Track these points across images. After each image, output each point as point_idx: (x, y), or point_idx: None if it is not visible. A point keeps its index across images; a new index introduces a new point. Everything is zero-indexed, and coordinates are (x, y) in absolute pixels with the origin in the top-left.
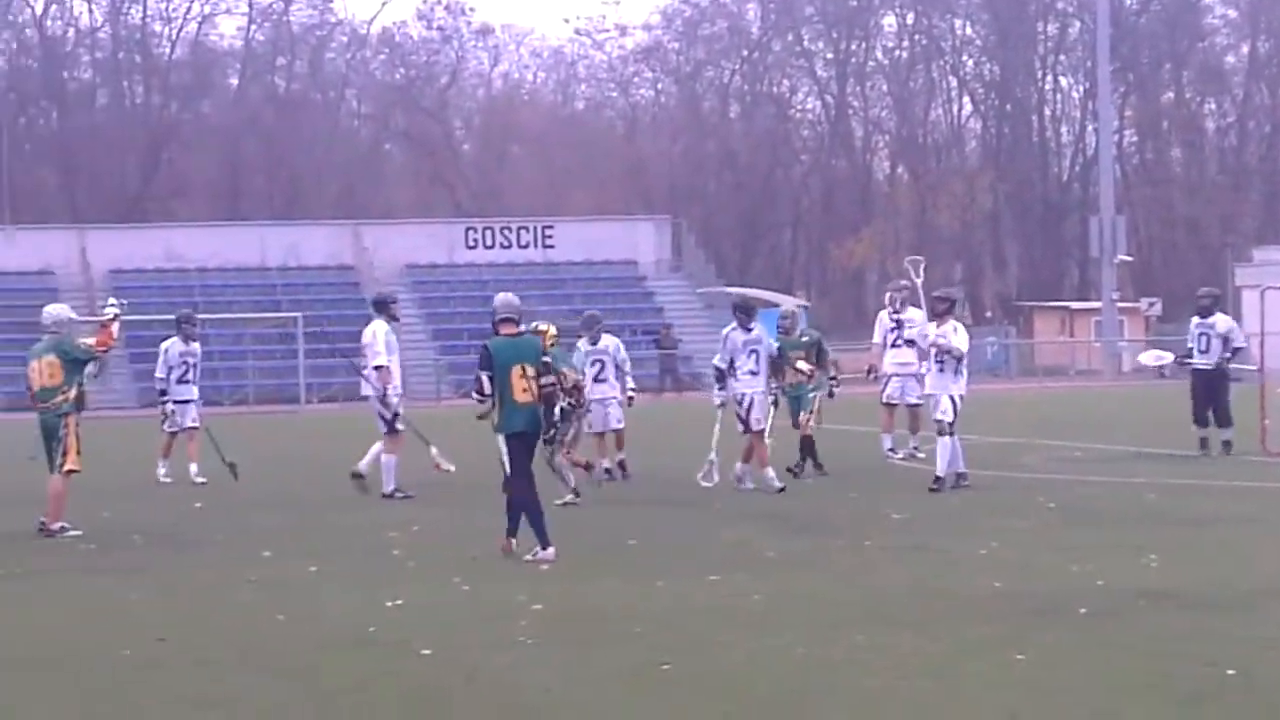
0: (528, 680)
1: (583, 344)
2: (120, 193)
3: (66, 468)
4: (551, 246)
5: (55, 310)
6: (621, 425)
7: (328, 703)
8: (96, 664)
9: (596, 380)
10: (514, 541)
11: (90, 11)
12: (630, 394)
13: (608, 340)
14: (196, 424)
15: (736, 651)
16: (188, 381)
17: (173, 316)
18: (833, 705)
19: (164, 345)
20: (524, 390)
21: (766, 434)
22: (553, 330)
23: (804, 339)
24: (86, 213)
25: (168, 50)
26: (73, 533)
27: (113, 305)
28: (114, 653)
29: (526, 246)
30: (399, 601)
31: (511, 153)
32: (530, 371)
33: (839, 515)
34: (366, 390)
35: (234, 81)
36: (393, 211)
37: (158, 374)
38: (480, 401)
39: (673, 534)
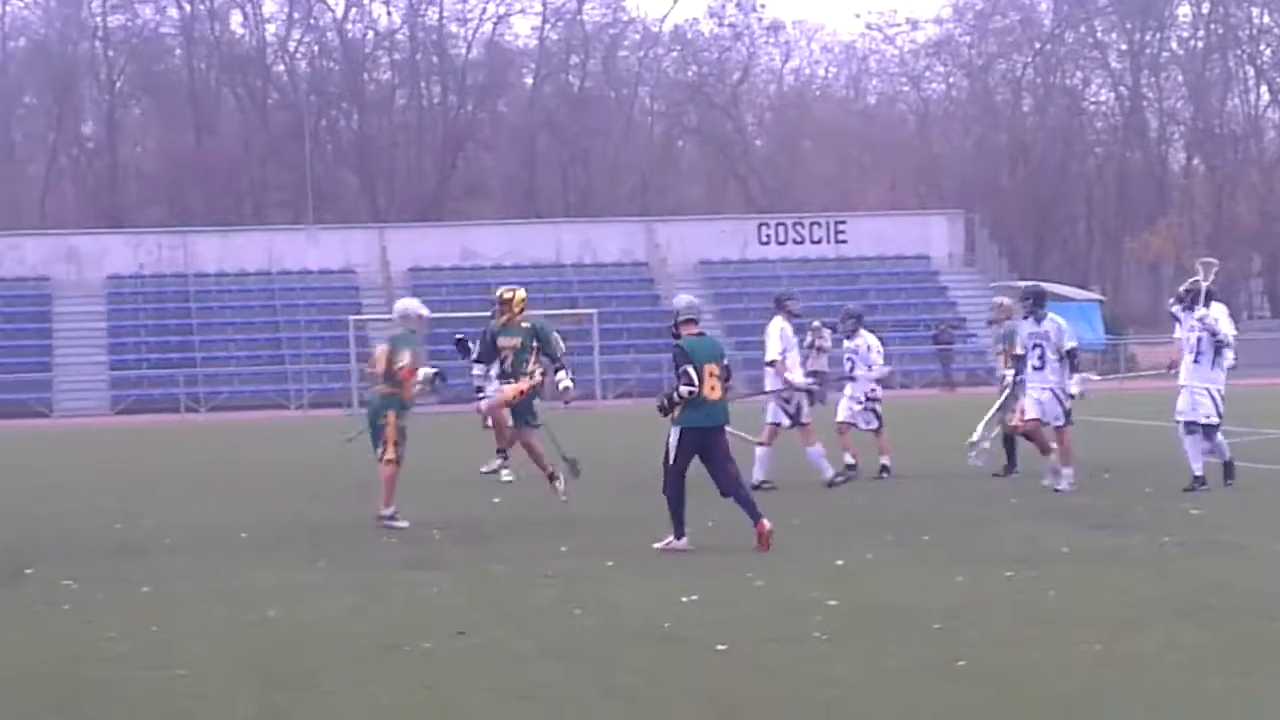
0: (822, 676)
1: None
2: (418, 192)
3: (386, 457)
4: (844, 241)
5: (404, 305)
6: (869, 426)
7: (625, 696)
8: (400, 658)
9: (847, 377)
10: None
11: (389, 14)
12: (869, 396)
13: (863, 338)
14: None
15: (1033, 648)
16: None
17: (465, 314)
18: (1132, 703)
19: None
20: (712, 388)
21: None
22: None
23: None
24: (386, 212)
25: (464, 51)
26: (401, 524)
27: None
28: (415, 645)
29: (819, 242)
30: (694, 597)
31: (803, 148)
32: (718, 370)
33: (1134, 510)
34: (770, 385)
35: (529, 80)
36: (685, 208)
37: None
38: (692, 394)
39: (966, 529)
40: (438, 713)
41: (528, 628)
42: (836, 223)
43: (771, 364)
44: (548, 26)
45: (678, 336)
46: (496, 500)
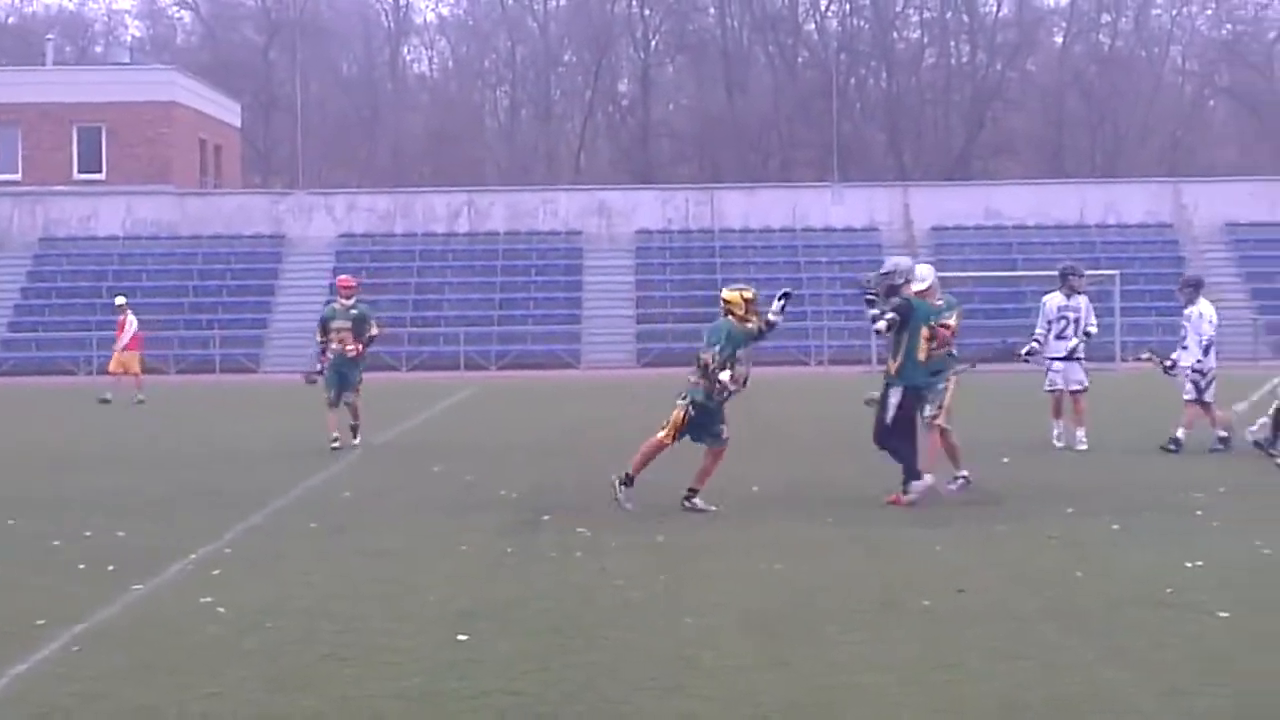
0: None
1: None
2: (945, 151)
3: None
4: None
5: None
6: (1187, 395)
7: (1123, 660)
8: (900, 614)
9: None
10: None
11: None
12: (1194, 367)
13: (1199, 306)
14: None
15: None
16: (1065, 337)
17: (987, 274)
18: None
19: (1045, 300)
20: (924, 350)
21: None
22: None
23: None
24: (911, 171)
25: (994, 9)
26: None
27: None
28: (916, 602)
29: None
30: (1199, 563)
31: None
32: (928, 333)
33: None
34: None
35: (1059, 39)
36: (1214, 169)
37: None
38: (881, 332)
39: None
40: (935, 669)
41: (1028, 588)
42: None
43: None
44: None
45: (893, 295)
46: (1005, 460)
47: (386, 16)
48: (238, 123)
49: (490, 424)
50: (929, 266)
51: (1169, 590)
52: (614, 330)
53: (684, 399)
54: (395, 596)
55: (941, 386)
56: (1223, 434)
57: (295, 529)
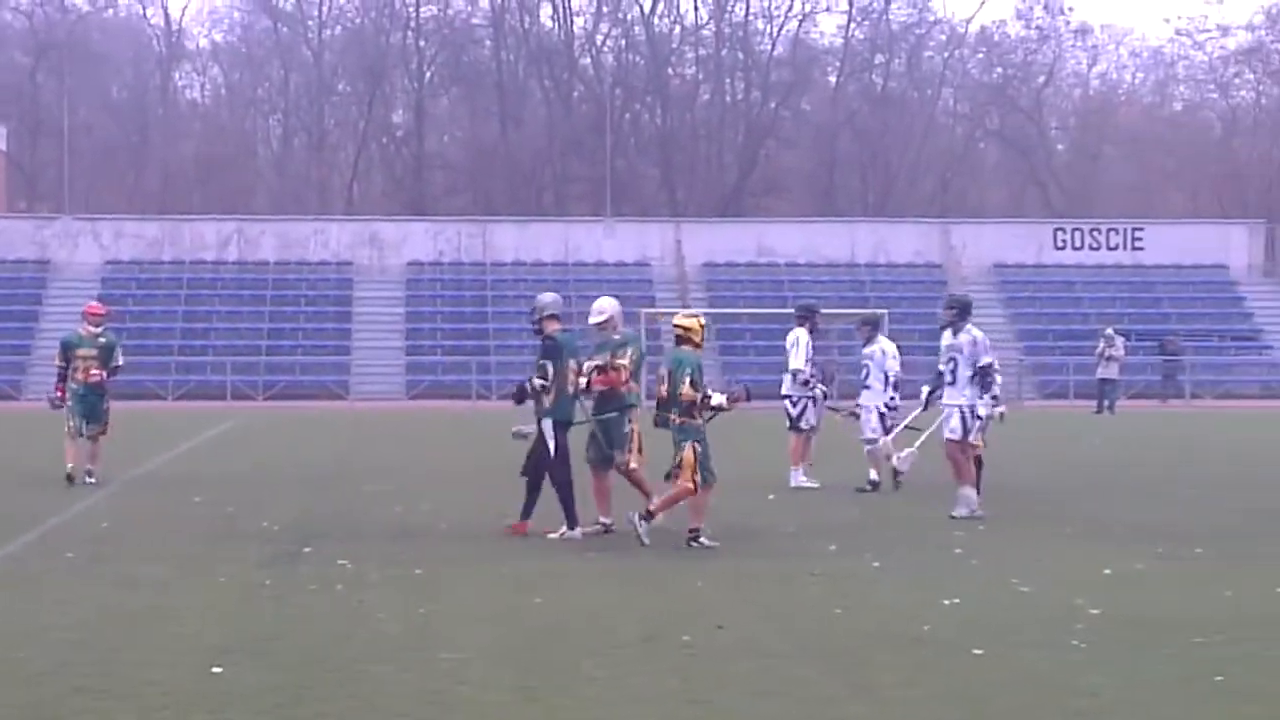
0: (1075, 685)
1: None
2: (717, 188)
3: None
4: (1140, 249)
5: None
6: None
7: (876, 697)
8: (658, 650)
9: (862, 385)
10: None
11: (696, 9)
12: (887, 405)
13: (879, 345)
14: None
15: None
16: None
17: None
18: None
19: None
20: (572, 383)
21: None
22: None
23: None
24: (684, 207)
25: (769, 47)
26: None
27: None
28: (675, 638)
29: (1115, 248)
30: (956, 600)
31: (1105, 153)
32: (576, 367)
33: None
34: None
35: (832, 79)
36: (983, 210)
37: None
38: (545, 388)
39: (1238, 543)
40: (690, 706)
41: (787, 625)
42: (1134, 229)
43: (795, 373)
44: (853, 25)
45: (539, 332)
46: (771, 497)
47: (158, 41)
48: (3, 145)
49: (255, 455)
50: (611, 299)
51: (926, 628)
52: (383, 362)
53: (684, 440)
54: (150, 628)
55: (626, 430)
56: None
57: (51, 558)
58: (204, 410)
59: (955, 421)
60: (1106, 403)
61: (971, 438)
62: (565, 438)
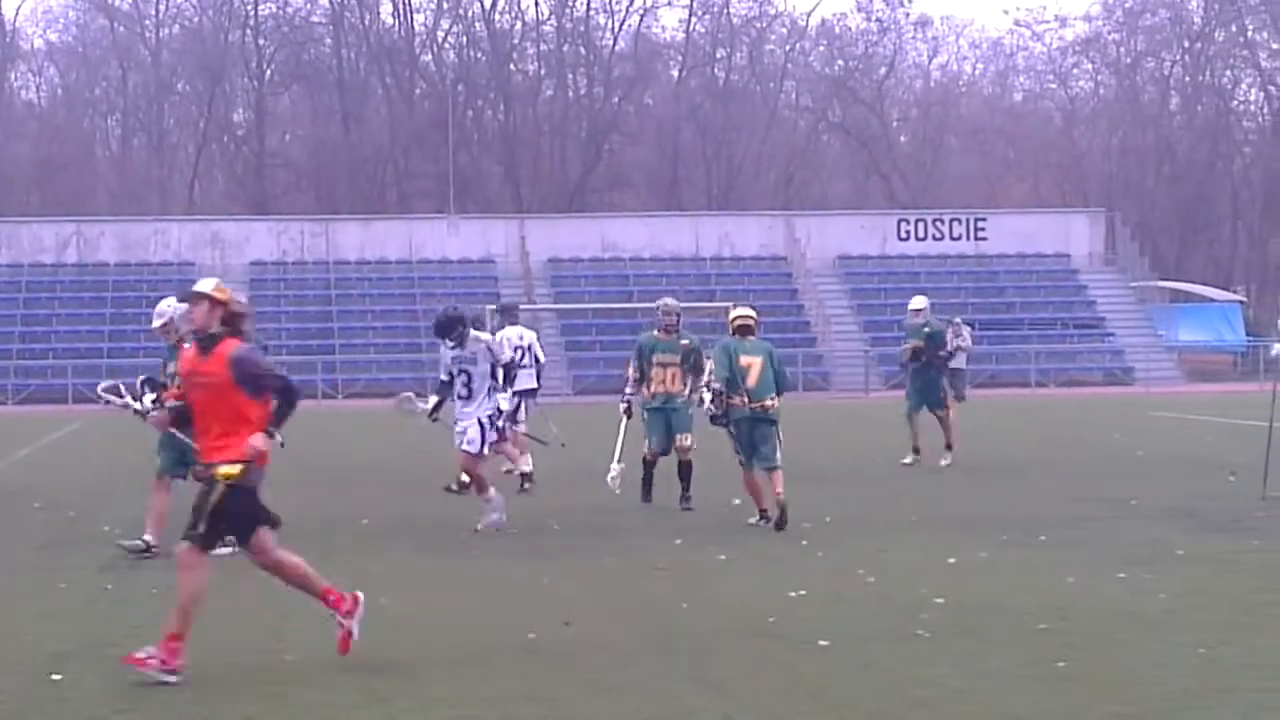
0: (920, 675)
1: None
2: (561, 183)
3: None
4: (984, 239)
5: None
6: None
7: (720, 690)
8: (504, 648)
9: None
10: None
11: (536, 5)
12: None
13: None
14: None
15: (1135, 651)
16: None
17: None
18: (1226, 710)
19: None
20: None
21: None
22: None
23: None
24: (529, 203)
25: (610, 43)
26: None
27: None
28: (520, 636)
29: (959, 239)
30: (802, 592)
31: (948, 144)
32: None
33: (1255, 515)
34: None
35: (675, 73)
36: (828, 203)
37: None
38: None
39: (1083, 530)
40: (533, 703)
41: (634, 620)
42: (976, 219)
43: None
44: (694, 19)
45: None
46: (618, 492)
47: None
48: None
49: (97, 458)
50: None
51: (771, 620)
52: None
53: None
54: None
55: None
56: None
57: None
58: (45, 415)
59: (474, 433)
60: (953, 393)
61: (487, 450)
62: None
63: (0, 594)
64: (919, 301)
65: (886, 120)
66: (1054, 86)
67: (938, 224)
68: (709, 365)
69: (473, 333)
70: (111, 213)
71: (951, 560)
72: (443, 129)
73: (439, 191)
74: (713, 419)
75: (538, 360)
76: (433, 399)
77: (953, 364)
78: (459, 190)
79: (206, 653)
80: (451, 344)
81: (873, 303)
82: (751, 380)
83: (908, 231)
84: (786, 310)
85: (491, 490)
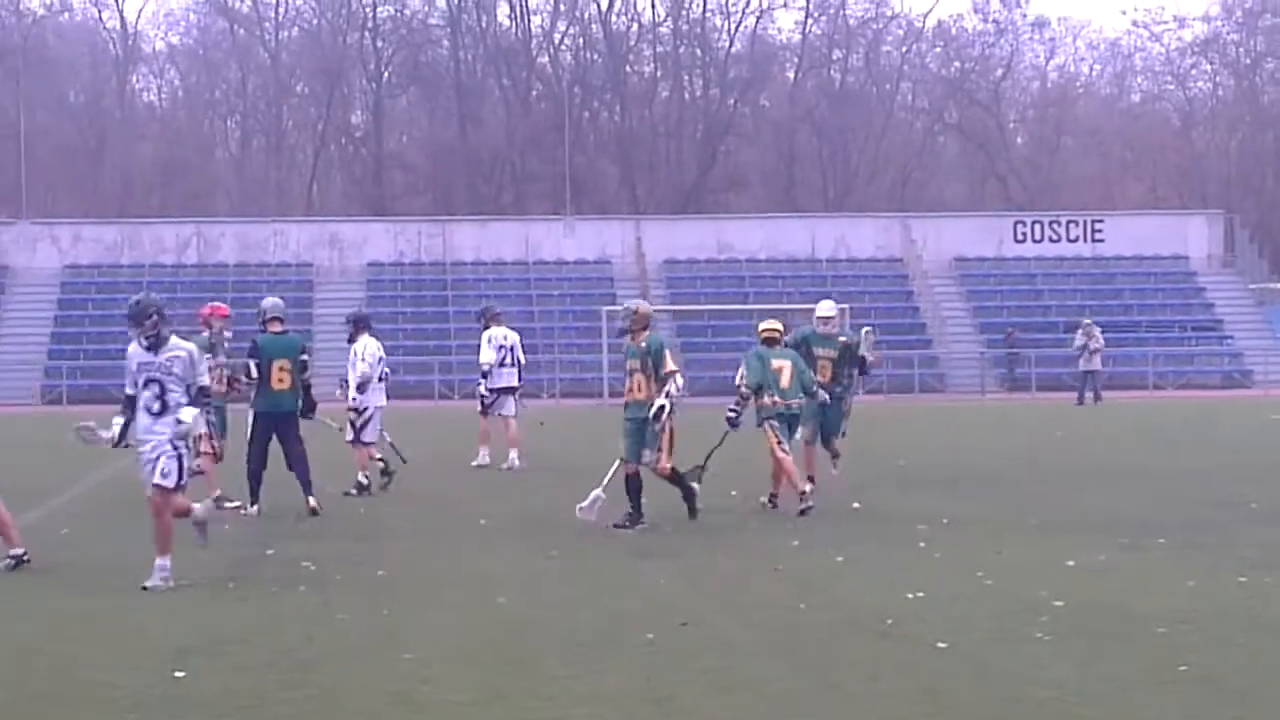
0: (1039, 677)
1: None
2: (677, 185)
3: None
4: (1101, 240)
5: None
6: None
7: (840, 691)
8: (622, 646)
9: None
10: None
11: (653, 6)
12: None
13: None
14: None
15: (1258, 656)
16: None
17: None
18: None
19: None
20: (280, 380)
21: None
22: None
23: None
24: (644, 204)
25: (726, 44)
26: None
27: None
28: (638, 635)
29: (1075, 240)
30: (920, 594)
31: (1064, 146)
32: (288, 365)
33: None
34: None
35: (790, 75)
36: (944, 204)
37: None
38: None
39: (1202, 533)
40: (647, 702)
41: (751, 620)
42: (1093, 221)
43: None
44: (810, 21)
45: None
46: (734, 493)
47: (115, 44)
48: None
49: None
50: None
51: (889, 621)
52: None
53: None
54: (112, 633)
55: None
56: (362, 479)
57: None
58: None
59: (168, 464)
60: (1090, 393)
61: (184, 481)
62: (265, 431)
63: (124, 590)
64: (828, 307)
65: (1003, 122)
66: (1172, 88)
67: (1054, 226)
68: (740, 370)
69: (174, 339)
70: (230, 214)
71: (1070, 563)
72: (559, 130)
73: (555, 193)
74: (730, 421)
75: (519, 361)
76: (116, 424)
77: (1086, 366)
78: (575, 191)
79: (326, 651)
80: (146, 344)
81: (989, 305)
82: (785, 382)
83: (1024, 233)
84: (903, 312)
85: (199, 508)
